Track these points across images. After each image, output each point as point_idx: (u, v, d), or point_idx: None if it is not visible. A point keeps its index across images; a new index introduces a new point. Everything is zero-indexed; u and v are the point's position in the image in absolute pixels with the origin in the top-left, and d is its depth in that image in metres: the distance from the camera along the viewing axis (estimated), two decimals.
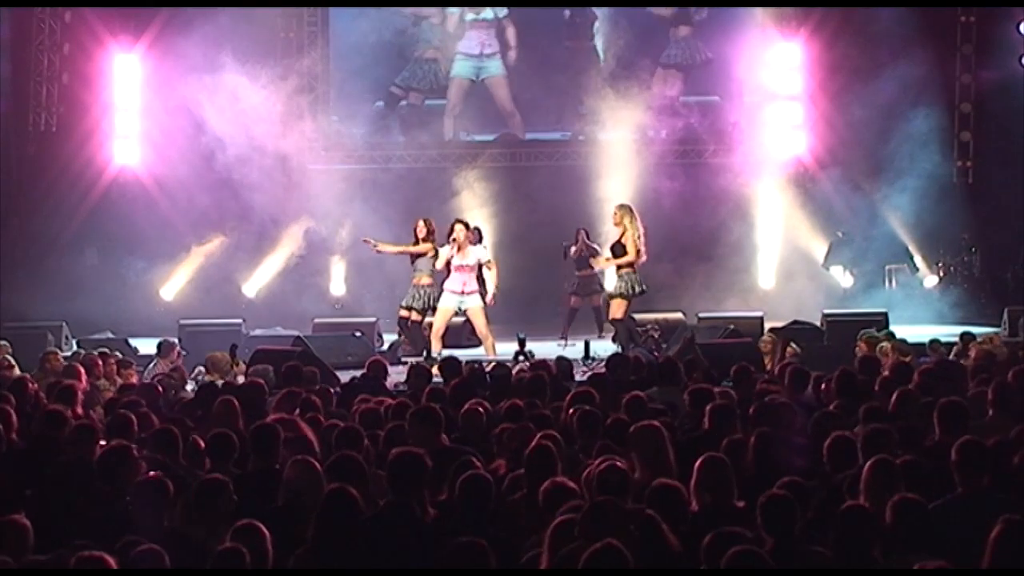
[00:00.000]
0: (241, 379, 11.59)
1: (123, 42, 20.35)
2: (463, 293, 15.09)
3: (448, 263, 15.04)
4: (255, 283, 20.48)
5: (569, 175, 20.43)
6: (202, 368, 12.90)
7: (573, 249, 17.77)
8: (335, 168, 20.82)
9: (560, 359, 11.97)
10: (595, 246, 17.43)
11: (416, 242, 15.46)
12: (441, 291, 15.25)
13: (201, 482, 6.41)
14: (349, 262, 20.39)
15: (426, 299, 15.42)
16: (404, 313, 15.62)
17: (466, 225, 15.29)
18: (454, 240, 14.96)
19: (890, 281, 20.57)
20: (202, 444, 7.59)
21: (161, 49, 19.89)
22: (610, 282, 15.41)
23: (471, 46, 20.91)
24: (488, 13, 20.85)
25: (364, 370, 11.54)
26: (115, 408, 8.87)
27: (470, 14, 20.84)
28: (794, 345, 13.22)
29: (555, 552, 5.42)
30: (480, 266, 15.24)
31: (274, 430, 7.43)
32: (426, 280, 15.46)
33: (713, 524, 5.56)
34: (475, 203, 19.75)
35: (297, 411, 8.84)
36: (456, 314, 15.31)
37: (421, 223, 15.53)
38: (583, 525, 5.46)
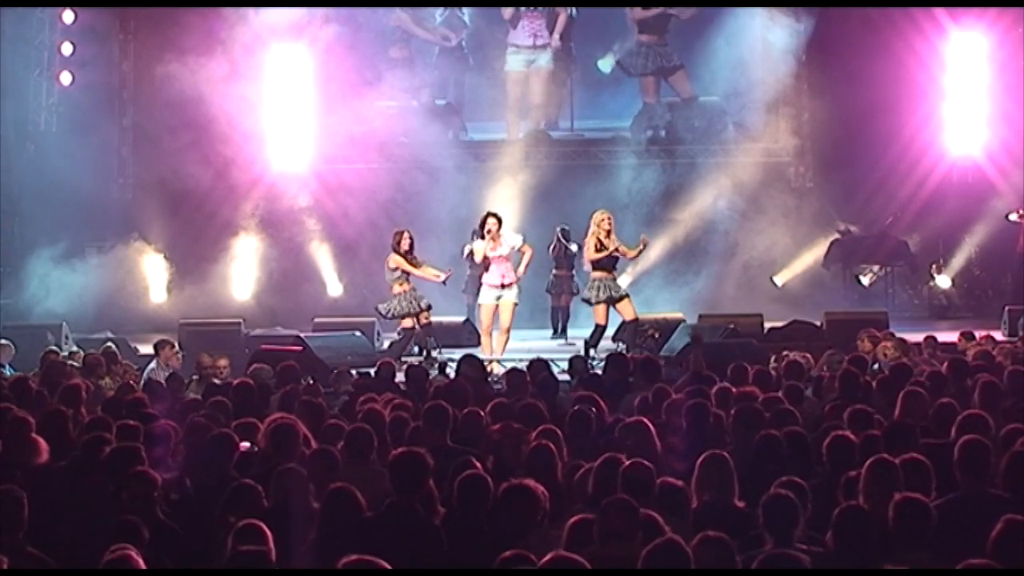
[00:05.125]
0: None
1: (124, 41, 20.34)
2: (503, 286, 15.22)
3: (485, 256, 15.20)
4: (255, 283, 20.46)
5: (570, 174, 20.44)
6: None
7: (551, 247, 17.93)
8: (335, 168, 20.80)
9: (573, 358, 12.13)
10: (571, 246, 17.62)
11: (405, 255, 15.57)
12: (411, 294, 15.48)
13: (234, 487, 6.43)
14: (349, 261, 20.39)
15: (405, 304, 15.55)
16: (409, 323, 15.70)
17: (498, 217, 15.36)
18: (489, 232, 15.07)
19: (890, 281, 20.58)
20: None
21: (161, 48, 19.85)
22: (601, 283, 15.46)
23: (523, 37, 20.72)
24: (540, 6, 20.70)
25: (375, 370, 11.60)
26: (118, 408, 8.89)
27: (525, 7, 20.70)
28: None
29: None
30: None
31: (292, 428, 7.48)
32: (401, 288, 15.57)
33: (713, 522, 5.57)
34: (477, 202, 19.73)
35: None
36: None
37: (407, 235, 15.62)
38: (600, 525, 5.48)
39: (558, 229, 18.02)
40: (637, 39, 20.81)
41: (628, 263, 17.70)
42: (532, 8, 20.62)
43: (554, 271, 17.94)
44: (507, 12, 20.69)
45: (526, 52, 20.76)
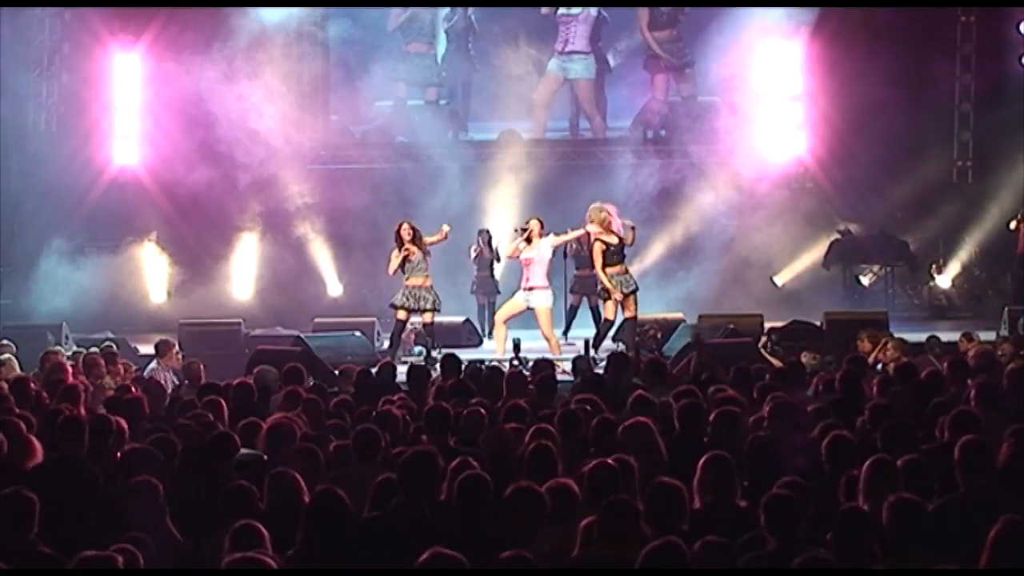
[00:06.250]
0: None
1: (123, 41, 20.35)
2: (526, 289, 15.34)
3: (518, 256, 15.40)
4: (255, 283, 20.46)
5: (570, 174, 20.44)
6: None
7: (574, 247, 17.86)
8: (335, 167, 20.81)
9: (577, 358, 12.14)
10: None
11: (411, 243, 15.53)
12: (413, 290, 15.48)
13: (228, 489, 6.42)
14: (348, 261, 20.39)
15: (415, 299, 15.52)
16: (402, 316, 15.66)
17: (540, 221, 15.50)
18: (526, 231, 15.31)
19: (890, 281, 20.59)
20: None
21: (161, 48, 19.87)
22: (613, 278, 15.46)
23: (558, 43, 20.74)
24: (575, 8, 20.65)
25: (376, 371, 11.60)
26: (113, 408, 8.88)
27: (561, 8, 20.68)
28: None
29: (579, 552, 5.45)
30: (549, 261, 15.51)
31: (289, 429, 7.47)
32: (415, 281, 15.53)
33: (715, 523, 5.57)
34: (478, 202, 19.74)
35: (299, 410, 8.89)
36: (528, 309, 15.57)
37: (407, 226, 15.61)
38: (600, 525, 5.47)
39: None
40: (652, 36, 20.78)
41: (633, 259, 17.73)
42: (567, 13, 20.60)
43: (576, 272, 17.90)
44: (544, 11, 20.73)
45: (559, 58, 20.75)
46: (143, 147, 20.61)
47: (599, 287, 15.79)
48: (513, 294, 15.95)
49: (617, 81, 21.21)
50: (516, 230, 16.15)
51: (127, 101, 20.56)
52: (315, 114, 20.88)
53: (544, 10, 20.77)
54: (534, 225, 15.34)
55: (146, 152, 20.59)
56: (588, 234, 16.04)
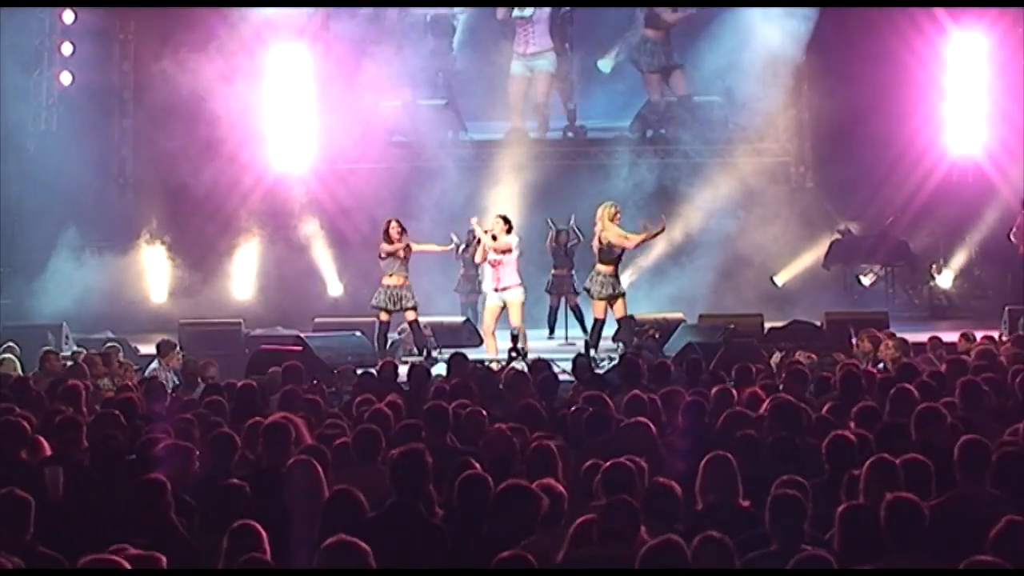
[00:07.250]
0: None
1: (124, 41, 20.34)
2: (500, 290, 15.33)
3: (485, 256, 15.48)
4: (255, 283, 20.46)
5: (570, 174, 20.43)
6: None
7: (551, 246, 17.93)
8: (336, 167, 20.80)
9: (577, 357, 12.17)
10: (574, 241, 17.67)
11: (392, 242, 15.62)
12: (391, 290, 15.58)
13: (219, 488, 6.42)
14: (349, 261, 20.38)
15: (394, 299, 15.57)
16: (384, 317, 15.69)
17: (504, 219, 15.64)
18: (489, 232, 15.38)
19: (890, 281, 20.58)
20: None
21: (161, 47, 19.85)
22: (605, 279, 15.53)
23: (519, 45, 20.58)
24: (528, 11, 20.50)
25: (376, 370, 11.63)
26: (110, 407, 8.89)
27: (516, 11, 20.58)
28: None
29: (573, 552, 5.45)
30: (517, 259, 15.66)
31: (285, 428, 7.47)
32: (394, 281, 15.53)
33: (717, 524, 5.57)
34: (477, 202, 19.72)
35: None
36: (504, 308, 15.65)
37: (395, 223, 15.62)
38: (600, 525, 5.48)
39: (560, 224, 18.00)
40: (643, 34, 20.71)
41: (633, 258, 17.75)
42: (520, 16, 20.51)
43: (553, 271, 17.90)
44: (499, 13, 20.62)
45: (523, 59, 20.64)
46: (145, 147, 20.60)
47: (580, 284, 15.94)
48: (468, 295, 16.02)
49: (616, 80, 21.17)
50: (473, 232, 16.22)
51: (128, 101, 20.54)
52: (315, 114, 20.83)
53: (500, 14, 20.64)
54: (495, 223, 15.41)
55: (148, 152, 20.58)
56: (564, 233, 16.32)
